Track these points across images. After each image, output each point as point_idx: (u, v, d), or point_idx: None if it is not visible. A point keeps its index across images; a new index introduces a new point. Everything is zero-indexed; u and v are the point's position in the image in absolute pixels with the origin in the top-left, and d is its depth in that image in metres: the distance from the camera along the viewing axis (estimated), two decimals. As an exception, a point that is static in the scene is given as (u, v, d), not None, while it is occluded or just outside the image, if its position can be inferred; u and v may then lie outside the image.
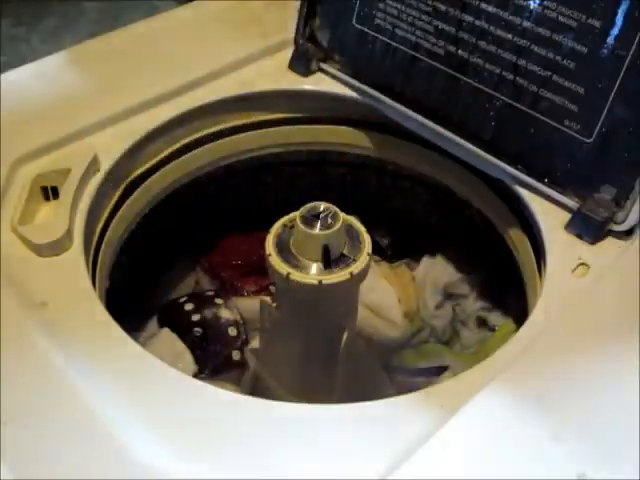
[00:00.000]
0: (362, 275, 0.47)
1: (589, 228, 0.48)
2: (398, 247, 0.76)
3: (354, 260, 0.47)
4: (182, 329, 0.64)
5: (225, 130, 0.62)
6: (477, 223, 0.71)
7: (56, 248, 0.46)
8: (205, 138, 0.61)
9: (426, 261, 0.72)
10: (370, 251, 0.47)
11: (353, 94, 0.60)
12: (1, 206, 0.49)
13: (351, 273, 0.46)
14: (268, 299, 0.53)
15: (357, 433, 0.37)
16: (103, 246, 0.53)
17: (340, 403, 0.40)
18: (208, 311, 0.66)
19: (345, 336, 0.50)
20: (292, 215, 0.49)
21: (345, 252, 0.47)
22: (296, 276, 0.46)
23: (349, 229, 0.48)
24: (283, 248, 0.48)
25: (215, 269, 0.71)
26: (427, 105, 0.55)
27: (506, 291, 0.69)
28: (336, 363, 0.51)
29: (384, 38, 0.56)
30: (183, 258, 0.74)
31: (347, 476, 0.35)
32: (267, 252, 0.47)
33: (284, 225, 0.49)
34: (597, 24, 0.46)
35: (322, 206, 0.47)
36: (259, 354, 0.61)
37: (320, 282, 0.46)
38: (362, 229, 0.49)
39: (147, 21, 0.67)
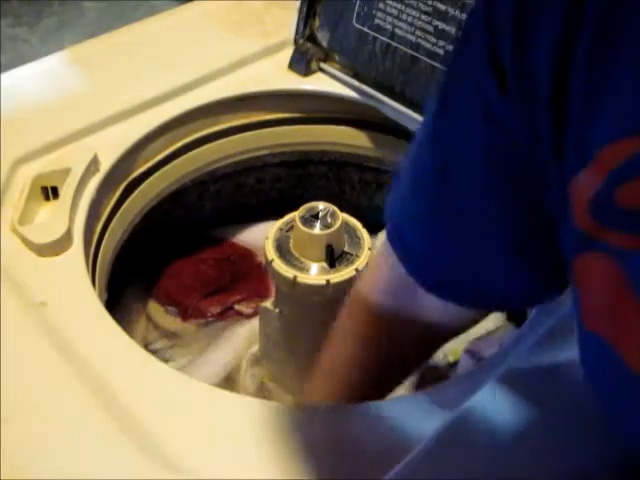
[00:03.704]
0: (366, 271, 0.47)
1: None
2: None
3: (357, 256, 0.47)
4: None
5: (225, 130, 0.62)
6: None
7: (56, 248, 0.46)
8: (205, 138, 0.61)
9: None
10: (370, 246, 0.47)
11: (353, 94, 0.60)
12: (1, 206, 0.48)
13: (356, 269, 0.46)
14: (269, 304, 0.53)
15: (357, 433, 0.37)
16: (103, 246, 0.53)
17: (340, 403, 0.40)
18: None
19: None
20: (287, 218, 0.49)
21: (346, 249, 0.48)
22: (303, 278, 0.46)
23: (345, 226, 0.48)
24: (283, 252, 0.48)
25: (171, 296, 0.67)
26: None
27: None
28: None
29: (384, 38, 0.56)
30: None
31: (347, 475, 0.35)
32: (269, 258, 0.47)
33: (280, 229, 0.49)
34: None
35: (321, 205, 0.47)
36: (260, 357, 0.60)
37: (328, 281, 0.46)
38: (358, 224, 0.49)
39: (147, 21, 0.67)
